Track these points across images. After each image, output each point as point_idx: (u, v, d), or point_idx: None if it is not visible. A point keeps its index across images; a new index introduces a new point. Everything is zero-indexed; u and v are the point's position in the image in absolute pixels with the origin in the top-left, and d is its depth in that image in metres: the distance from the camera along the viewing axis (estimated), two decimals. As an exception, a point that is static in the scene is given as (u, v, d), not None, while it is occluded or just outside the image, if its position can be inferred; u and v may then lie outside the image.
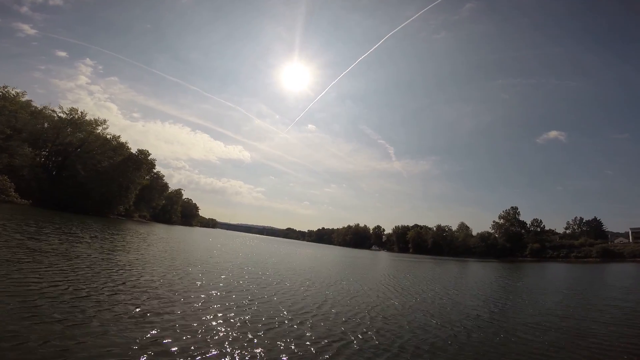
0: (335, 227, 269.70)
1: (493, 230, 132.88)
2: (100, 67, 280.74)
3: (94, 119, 74.03)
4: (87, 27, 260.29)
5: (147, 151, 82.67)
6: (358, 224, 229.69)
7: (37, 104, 70.61)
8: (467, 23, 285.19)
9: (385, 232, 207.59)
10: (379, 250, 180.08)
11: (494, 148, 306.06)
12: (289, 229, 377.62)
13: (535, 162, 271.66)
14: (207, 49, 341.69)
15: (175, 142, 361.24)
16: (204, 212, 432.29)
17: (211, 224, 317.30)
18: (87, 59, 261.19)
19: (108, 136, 75.88)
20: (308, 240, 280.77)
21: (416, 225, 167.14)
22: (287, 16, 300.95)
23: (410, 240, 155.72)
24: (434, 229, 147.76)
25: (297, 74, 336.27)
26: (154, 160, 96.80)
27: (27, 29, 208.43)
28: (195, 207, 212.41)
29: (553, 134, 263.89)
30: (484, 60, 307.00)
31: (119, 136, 76.91)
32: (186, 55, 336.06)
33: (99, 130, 74.85)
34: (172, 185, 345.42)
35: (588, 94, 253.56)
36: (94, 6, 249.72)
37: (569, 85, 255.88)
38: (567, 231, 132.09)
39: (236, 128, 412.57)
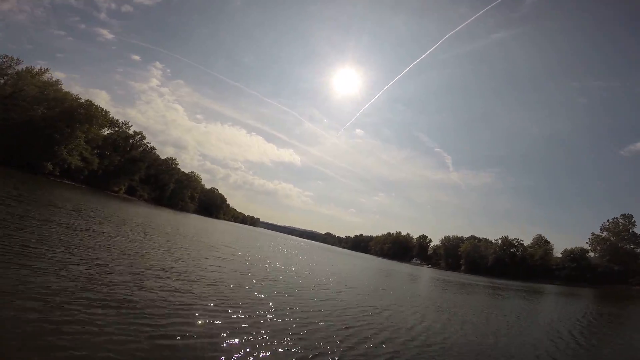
0: (374, 235, 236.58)
1: (590, 247, 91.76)
2: (169, 70, 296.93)
3: (31, 67, 59.57)
4: (155, 33, 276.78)
5: (91, 102, 64.75)
6: (400, 232, 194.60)
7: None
8: (530, 20, 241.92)
9: (432, 244, 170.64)
10: (421, 265, 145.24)
11: (572, 161, 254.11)
12: (327, 234, 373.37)
13: (620, 179, 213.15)
14: (259, 52, 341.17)
15: (234, 143, 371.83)
16: (255, 211, 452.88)
17: (249, 220, 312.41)
18: (157, 62, 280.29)
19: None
20: (344, 247, 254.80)
21: (473, 237, 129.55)
22: (334, 19, 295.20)
23: (464, 256, 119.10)
24: (499, 242, 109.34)
25: (345, 77, 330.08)
26: (109, 114, 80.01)
27: (106, 33, 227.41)
28: (221, 199, 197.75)
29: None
30: (553, 61, 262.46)
31: (58, 81, 59.95)
32: (241, 59, 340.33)
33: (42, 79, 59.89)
34: (228, 185, 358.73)
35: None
36: (158, 12, 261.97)
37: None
38: None
39: (288, 131, 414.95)
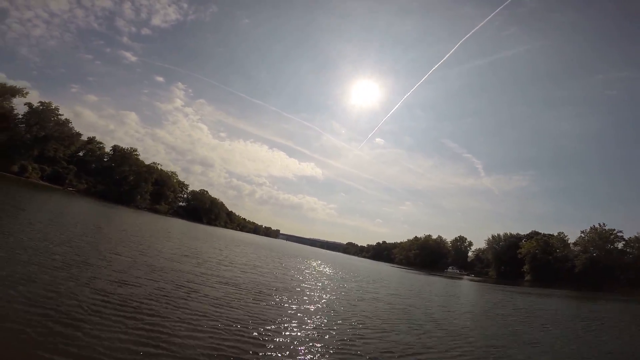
0: (398, 241, 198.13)
1: None
2: (190, 90, 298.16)
3: None
4: (174, 54, 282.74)
5: None
6: (429, 236, 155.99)
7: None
8: (537, 14, 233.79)
9: (472, 248, 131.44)
10: (460, 274, 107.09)
11: (608, 157, 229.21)
12: (349, 244, 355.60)
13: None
14: (272, 68, 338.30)
15: (257, 159, 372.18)
16: (282, 224, 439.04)
17: (262, 231, 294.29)
18: (179, 83, 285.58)
19: None
20: (365, 256, 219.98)
21: (535, 233, 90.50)
22: (346, 30, 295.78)
23: (528, 260, 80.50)
24: (585, 236, 69.88)
25: (361, 87, 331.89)
26: None
27: (130, 56, 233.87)
28: (212, 203, 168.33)
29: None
30: (570, 54, 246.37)
31: None
32: (256, 75, 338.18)
33: None
34: (254, 201, 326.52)
35: None
36: (174, 34, 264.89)
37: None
38: None
39: (309, 145, 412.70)
